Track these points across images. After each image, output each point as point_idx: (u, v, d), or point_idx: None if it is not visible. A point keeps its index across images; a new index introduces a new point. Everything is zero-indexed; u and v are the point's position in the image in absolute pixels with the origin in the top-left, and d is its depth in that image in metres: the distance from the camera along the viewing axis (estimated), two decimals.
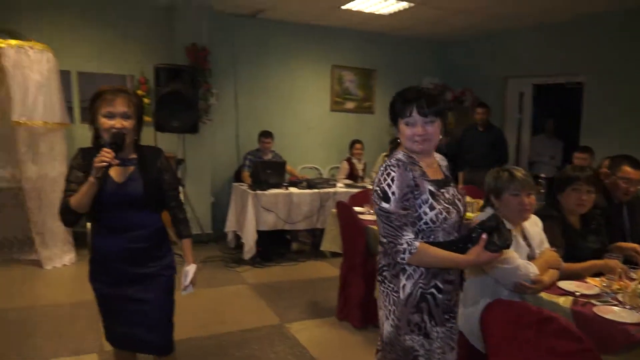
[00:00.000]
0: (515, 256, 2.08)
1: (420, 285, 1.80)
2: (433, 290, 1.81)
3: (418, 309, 1.80)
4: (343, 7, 6.02)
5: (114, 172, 1.99)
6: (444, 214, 1.76)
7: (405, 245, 1.71)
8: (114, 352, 2.32)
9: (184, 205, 2.32)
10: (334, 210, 4.11)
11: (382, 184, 1.76)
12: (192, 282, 2.26)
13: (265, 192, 5.23)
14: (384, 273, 1.87)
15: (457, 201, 1.86)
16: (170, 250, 2.23)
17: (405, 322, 1.80)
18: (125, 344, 2.22)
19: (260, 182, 5.31)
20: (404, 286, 1.80)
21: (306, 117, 7.10)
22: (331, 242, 4.17)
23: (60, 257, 4.98)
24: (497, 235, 1.66)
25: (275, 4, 5.98)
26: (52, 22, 5.66)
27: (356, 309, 3.69)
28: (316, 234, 5.67)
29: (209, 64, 6.08)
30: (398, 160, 1.78)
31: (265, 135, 6.02)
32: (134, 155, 2.09)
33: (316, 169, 7.18)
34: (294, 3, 5.90)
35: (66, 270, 4.88)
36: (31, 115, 4.80)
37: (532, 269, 2.09)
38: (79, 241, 5.32)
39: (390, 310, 1.84)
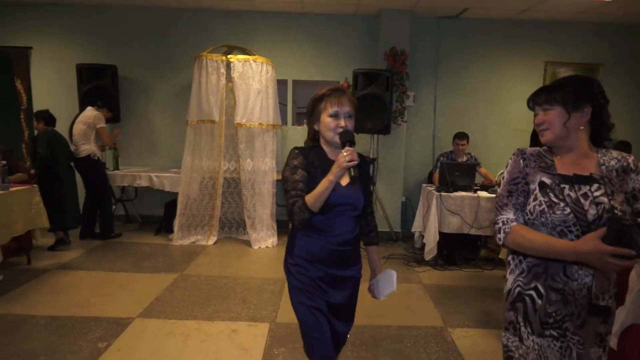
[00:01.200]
0: None
1: (519, 283, 1.73)
2: (532, 292, 1.69)
3: (513, 307, 1.74)
4: None
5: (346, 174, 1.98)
6: (543, 206, 1.64)
7: (500, 224, 1.69)
8: None
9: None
10: None
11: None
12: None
13: (451, 194, 5.11)
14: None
15: (587, 202, 1.60)
16: (360, 255, 2.18)
17: (504, 317, 1.78)
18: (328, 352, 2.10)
19: (447, 184, 5.22)
20: (506, 280, 1.79)
21: (511, 119, 6.63)
22: None
23: (265, 239, 5.77)
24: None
25: (480, 2, 5.77)
26: (273, 39, 6.57)
27: None
28: None
29: (406, 67, 6.22)
30: (519, 149, 1.79)
31: (460, 136, 5.86)
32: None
33: None
34: None
35: (268, 252, 5.62)
36: (250, 117, 5.68)
37: None
38: (280, 228, 6.09)
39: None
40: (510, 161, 1.77)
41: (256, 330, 3.52)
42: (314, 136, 2.08)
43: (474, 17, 6.42)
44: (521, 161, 1.73)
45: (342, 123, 1.94)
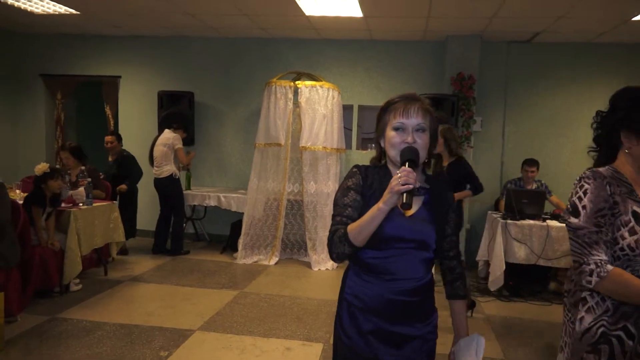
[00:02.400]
0: None
1: (603, 323, 1.51)
2: (621, 333, 1.49)
3: (595, 350, 1.52)
4: (635, 19, 5.20)
5: (399, 202, 1.46)
6: None
7: (592, 266, 1.44)
8: None
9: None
10: None
11: (572, 197, 1.56)
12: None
13: (517, 222, 4.92)
14: (565, 299, 1.67)
15: None
16: (436, 309, 1.73)
17: (580, 358, 1.55)
18: None
19: (513, 212, 5.03)
20: (581, 319, 1.55)
21: (586, 145, 6.27)
22: None
23: (325, 262, 5.82)
24: None
25: (554, 26, 5.60)
26: (340, 66, 6.74)
27: None
28: None
29: (474, 92, 6.13)
30: (594, 172, 1.55)
31: (530, 163, 5.64)
32: (424, 183, 1.67)
33: None
34: (577, 21, 5.41)
35: (327, 274, 5.66)
36: (314, 141, 5.83)
37: None
38: None
39: (565, 342, 1.62)
40: (589, 186, 1.51)
41: (310, 349, 3.55)
42: (379, 154, 1.70)
43: (546, 41, 6.24)
44: (607, 187, 1.50)
45: (410, 139, 1.53)
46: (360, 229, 1.50)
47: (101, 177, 5.54)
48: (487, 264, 5.19)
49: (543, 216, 5.04)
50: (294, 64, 6.66)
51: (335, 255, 1.58)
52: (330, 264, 5.82)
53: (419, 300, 1.62)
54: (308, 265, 5.87)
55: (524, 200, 5.07)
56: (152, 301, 4.47)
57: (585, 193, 1.51)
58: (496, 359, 3.55)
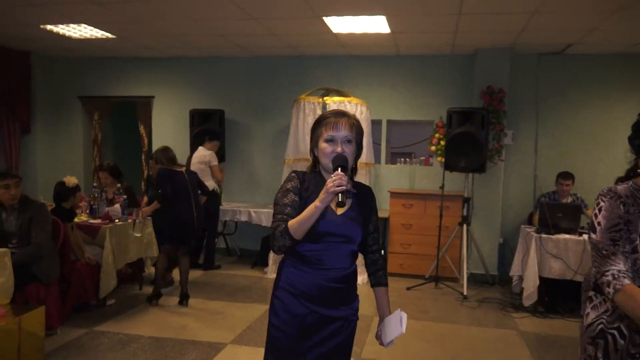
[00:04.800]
0: None
1: (602, 321, 1.68)
2: (615, 332, 1.64)
3: (593, 343, 1.69)
4: None
5: (332, 202, 1.73)
6: None
7: (610, 278, 1.54)
8: None
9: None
10: None
11: (592, 213, 1.70)
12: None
13: (552, 236, 4.82)
14: (582, 296, 1.84)
15: None
16: (357, 296, 2.01)
17: (583, 349, 1.76)
18: None
19: (547, 226, 4.93)
20: (587, 314, 1.74)
21: (624, 159, 6.12)
22: None
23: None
24: None
25: (586, 38, 5.52)
26: (368, 81, 6.78)
27: None
28: None
29: (504, 105, 6.07)
30: (610, 190, 1.65)
31: (564, 176, 5.54)
32: (351, 188, 1.91)
33: None
34: (609, 34, 5.31)
35: (358, 289, 5.61)
36: None
37: None
38: None
39: (580, 332, 1.82)
40: (603, 204, 1.62)
41: None
42: (314, 162, 1.93)
43: (578, 53, 6.14)
44: (621, 206, 1.60)
45: (339, 149, 1.79)
46: (299, 224, 1.72)
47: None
48: (521, 279, 5.08)
49: (579, 230, 4.92)
50: (322, 81, 6.74)
51: (276, 247, 1.79)
52: (361, 279, 5.77)
53: (345, 287, 1.89)
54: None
55: (559, 214, 4.97)
56: (185, 315, 4.54)
57: (600, 210, 1.63)
58: None
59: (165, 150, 4.96)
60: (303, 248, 1.83)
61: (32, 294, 3.69)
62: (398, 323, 1.93)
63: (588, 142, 6.25)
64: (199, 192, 5.11)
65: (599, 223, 1.61)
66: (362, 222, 1.89)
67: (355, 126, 1.85)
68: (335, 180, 1.63)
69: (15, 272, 3.45)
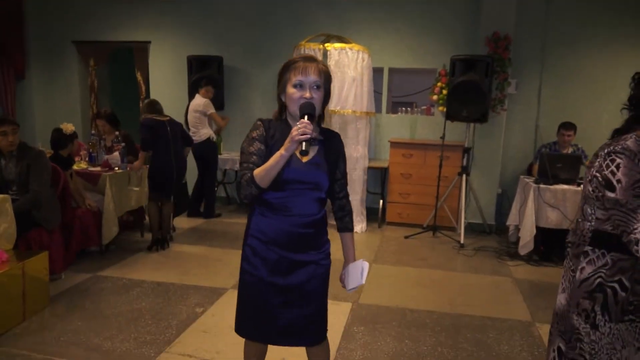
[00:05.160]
0: None
1: (601, 274, 1.68)
2: (615, 285, 1.66)
3: (590, 297, 1.70)
4: None
5: (298, 149, 1.71)
6: None
7: (637, 235, 1.51)
8: (246, 343, 2.13)
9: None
10: None
11: (604, 171, 1.62)
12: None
13: (550, 186, 4.83)
14: (568, 249, 1.85)
15: None
16: (328, 240, 2.04)
17: (575, 304, 1.75)
18: (270, 337, 2.02)
19: (546, 176, 4.93)
20: (582, 269, 1.73)
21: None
22: None
23: (355, 225, 5.81)
24: None
25: None
26: (371, 27, 6.59)
27: None
28: None
29: (509, 52, 5.93)
30: (624, 148, 1.60)
31: (566, 126, 5.48)
32: (318, 135, 1.91)
33: None
34: None
35: (356, 237, 5.66)
36: (343, 105, 5.79)
37: None
38: (370, 215, 6.16)
39: (565, 286, 1.82)
40: (621, 161, 1.58)
41: (338, 308, 3.63)
42: (280, 108, 1.93)
43: None
44: (638, 163, 1.58)
45: (307, 94, 1.76)
46: (265, 172, 1.73)
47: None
48: (518, 228, 5.14)
49: (578, 181, 4.93)
50: (324, 24, 6.55)
51: (243, 196, 1.81)
52: (360, 227, 5.86)
53: (313, 232, 1.91)
54: (335, 227, 5.90)
55: (558, 165, 4.96)
56: (187, 261, 4.63)
57: (618, 167, 1.59)
58: (524, 320, 3.57)
59: (150, 103, 5.00)
60: (269, 196, 1.85)
61: (35, 240, 3.75)
62: (358, 274, 1.99)
63: (592, 92, 6.15)
64: (182, 144, 5.10)
65: (618, 180, 1.57)
66: (329, 169, 1.89)
67: (324, 72, 1.84)
68: (300, 128, 1.62)
69: (17, 218, 3.49)
